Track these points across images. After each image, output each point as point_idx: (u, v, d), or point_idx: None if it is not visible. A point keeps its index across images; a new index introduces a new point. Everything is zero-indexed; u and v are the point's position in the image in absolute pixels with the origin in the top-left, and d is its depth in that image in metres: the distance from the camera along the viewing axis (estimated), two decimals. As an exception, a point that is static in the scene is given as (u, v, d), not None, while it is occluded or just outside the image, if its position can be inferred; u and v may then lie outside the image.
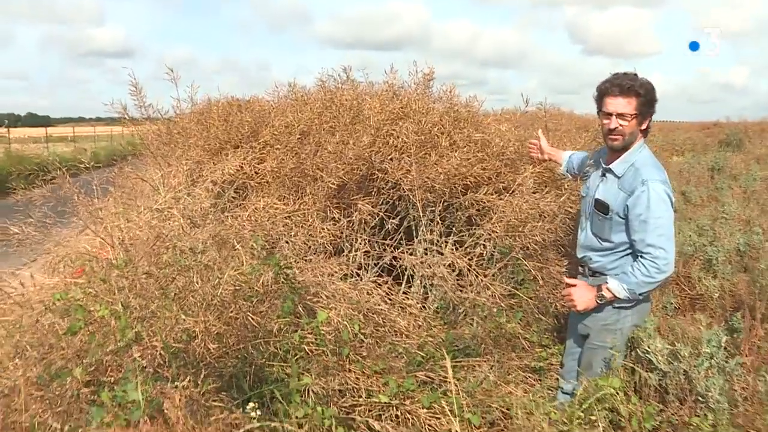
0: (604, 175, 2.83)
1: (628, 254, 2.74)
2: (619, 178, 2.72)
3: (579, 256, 2.92)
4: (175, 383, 1.75)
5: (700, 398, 2.39)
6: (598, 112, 2.80)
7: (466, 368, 3.14)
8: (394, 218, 3.86)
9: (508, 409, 2.79)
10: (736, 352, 3.03)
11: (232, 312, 2.34)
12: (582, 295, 2.73)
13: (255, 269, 2.51)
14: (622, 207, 2.68)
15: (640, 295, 2.63)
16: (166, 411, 1.68)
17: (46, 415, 1.67)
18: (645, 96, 2.65)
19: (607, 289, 2.66)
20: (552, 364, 3.30)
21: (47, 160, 3.76)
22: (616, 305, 2.72)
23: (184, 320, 2.17)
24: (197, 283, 2.47)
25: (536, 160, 3.58)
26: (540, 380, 3.19)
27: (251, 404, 2.05)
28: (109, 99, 4.27)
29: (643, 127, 2.73)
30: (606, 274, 2.77)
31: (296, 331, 2.45)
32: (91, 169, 3.93)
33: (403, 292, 3.42)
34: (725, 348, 3.11)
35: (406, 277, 3.86)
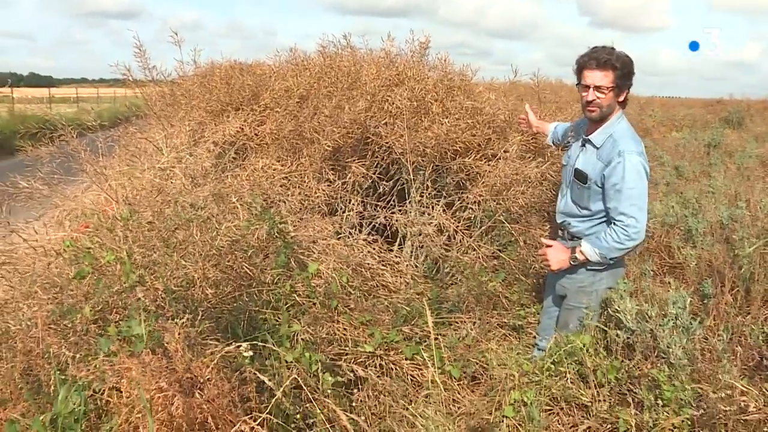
0: (583, 145, 2.94)
1: (604, 221, 2.87)
2: (597, 148, 2.84)
3: (558, 221, 3.05)
4: (175, 321, 1.92)
5: (662, 354, 2.56)
6: (577, 85, 2.91)
7: (449, 324, 3.32)
8: (386, 181, 4.01)
9: (487, 364, 2.97)
10: (705, 316, 3.22)
11: (228, 261, 2.51)
12: (556, 255, 2.89)
13: (251, 223, 2.67)
14: (599, 176, 2.79)
15: (610, 259, 2.77)
16: (166, 344, 1.85)
17: (59, 346, 1.84)
18: (621, 69, 2.76)
19: (581, 251, 2.80)
20: (530, 323, 3.47)
21: (53, 118, 3.88)
22: (590, 267, 2.87)
23: (185, 266, 2.34)
24: (197, 235, 2.65)
25: (526, 132, 3.70)
26: (519, 337, 3.36)
27: (244, 344, 2.24)
28: (113, 60, 4.40)
29: (621, 99, 2.83)
30: (578, 238, 2.91)
31: (287, 281, 2.62)
32: (96, 129, 4.09)
33: (391, 251, 3.58)
34: (694, 312, 3.30)
35: (398, 238, 4.03)
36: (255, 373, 2.00)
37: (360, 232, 3.86)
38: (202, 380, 1.78)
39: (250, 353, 2.20)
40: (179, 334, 1.85)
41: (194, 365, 1.83)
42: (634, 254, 3.86)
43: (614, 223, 2.73)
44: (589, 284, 2.91)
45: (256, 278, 2.66)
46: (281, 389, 2.02)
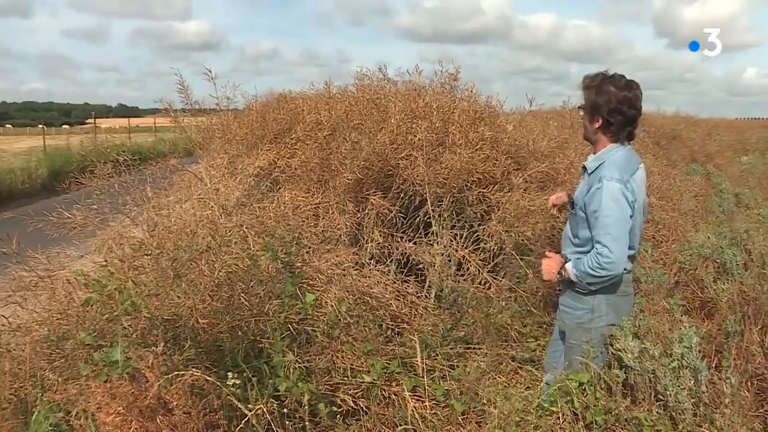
0: (584, 172, 2.90)
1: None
2: (590, 174, 2.80)
3: (562, 251, 3.01)
4: (153, 348, 2.02)
5: (660, 396, 2.47)
6: None
7: (460, 356, 3.31)
8: (409, 213, 4.06)
9: (493, 399, 2.94)
10: (728, 356, 3.07)
11: (225, 293, 2.60)
12: (548, 266, 2.87)
13: (250, 255, 2.76)
14: (582, 202, 2.76)
15: (589, 284, 2.70)
16: (141, 371, 1.95)
17: (45, 368, 1.97)
18: (590, 96, 2.76)
19: (565, 268, 2.78)
20: (541, 355, 3.41)
21: (121, 150, 4.21)
22: (582, 291, 2.79)
23: (180, 297, 2.45)
24: (203, 267, 2.77)
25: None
26: (530, 371, 3.31)
27: (230, 374, 2.32)
28: (161, 96, 4.64)
29: (596, 126, 2.77)
30: None
31: (283, 311, 2.68)
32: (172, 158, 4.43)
33: (405, 281, 3.60)
34: (717, 351, 3.17)
35: (421, 271, 4.05)
36: (228, 398, 2.06)
37: (380, 263, 3.90)
38: (170, 406, 1.87)
39: (236, 381, 2.29)
40: (154, 361, 1.95)
41: (165, 391, 1.92)
42: (663, 288, 3.73)
43: (593, 250, 2.67)
44: (588, 321, 2.81)
45: (256, 309, 2.73)
46: (252, 413, 2.07)
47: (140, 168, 4.37)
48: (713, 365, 2.84)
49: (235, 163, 4.78)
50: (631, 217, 2.66)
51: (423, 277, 3.94)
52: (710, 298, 3.78)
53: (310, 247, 3.53)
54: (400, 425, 2.79)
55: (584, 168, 2.88)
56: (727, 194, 7.40)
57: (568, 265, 2.77)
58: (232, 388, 2.22)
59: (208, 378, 2.05)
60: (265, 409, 2.17)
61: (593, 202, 2.67)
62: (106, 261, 2.87)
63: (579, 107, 2.86)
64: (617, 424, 2.39)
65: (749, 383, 2.89)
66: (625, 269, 2.70)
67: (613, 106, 2.71)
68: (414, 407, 2.79)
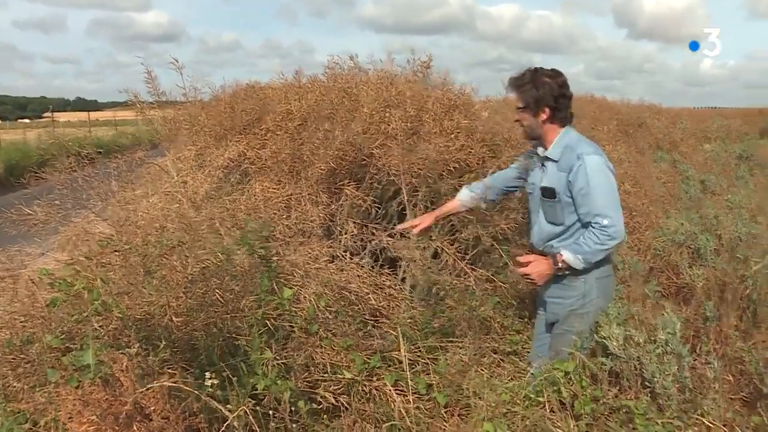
0: (543, 164, 2.93)
1: (581, 230, 2.83)
2: (557, 161, 2.83)
3: (540, 249, 2.99)
4: (127, 350, 1.91)
5: (647, 383, 2.46)
6: None
7: (442, 349, 3.25)
8: (387, 203, 3.98)
9: (477, 391, 2.89)
10: (707, 341, 3.08)
11: (200, 289, 2.49)
12: (539, 268, 2.84)
13: (226, 249, 2.66)
14: (565, 186, 2.78)
15: (594, 262, 2.74)
16: (115, 375, 1.84)
17: (8, 376, 1.85)
18: (528, 92, 2.83)
19: (563, 261, 2.75)
20: (525, 348, 3.37)
21: (83, 142, 4.04)
22: (574, 283, 2.83)
23: (152, 295, 2.33)
24: (176, 262, 2.65)
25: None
26: (512, 363, 3.27)
27: (208, 374, 2.22)
28: (121, 87, 4.47)
29: (543, 118, 2.85)
30: None
31: (260, 307, 2.59)
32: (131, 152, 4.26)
33: (382, 274, 3.53)
34: (696, 336, 3.17)
35: (396, 262, 3.98)
36: (208, 401, 1.97)
37: (355, 255, 3.82)
38: (147, 412, 1.76)
39: (214, 381, 2.19)
40: (128, 364, 1.84)
41: (143, 396, 1.81)
42: (639, 275, 3.73)
43: (591, 227, 2.70)
44: (580, 306, 2.84)
45: (232, 305, 2.63)
46: (234, 415, 1.98)
47: (103, 161, 4.20)
48: (693, 350, 2.84)
49: (203, 155, 4.65)
50: None
51: (396, 269, 3.88)
52: (686, 283, 3.79)
53: (284, 240, 3.43)
54: (383, 421, 2.73)
55: (546, 158, 2.90)
56: (694, 181, 7.49)
57: (567, 256, 2.74)
58: (210, 389, 2.13)
59: (187, 380, 1.95)
60: (246, 410, 2.08)
61: (578, 180, 2.71)
62: (71, 259, 2.73)
63: (519, 108, 2.90)
64: (606, 414, 2.36)
65: (729, 367, 2.91)
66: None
67: (557, 92, 2.83)
68: (396, 401, 2.72)
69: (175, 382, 1.90)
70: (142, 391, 1.77)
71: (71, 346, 2.15)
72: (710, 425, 2.04)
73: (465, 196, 3.33)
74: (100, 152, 4.11)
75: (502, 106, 4.81)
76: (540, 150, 2.96)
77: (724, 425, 2.12)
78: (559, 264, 2.77)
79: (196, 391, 1.93)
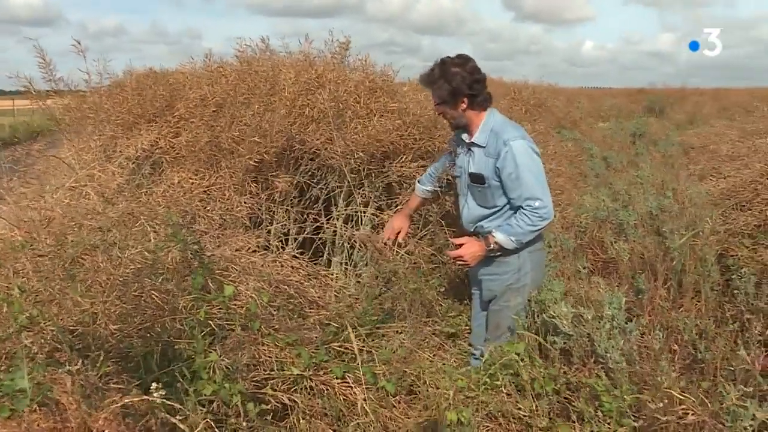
0: (470, 149, 2.94)
1: (511, 211, 2.88)
2: (483, 147, 2.86)
3: (470, 230, 3.03)
4: (68, 367, 1.70)
5: (600, 359, 2.49)
6: None
7: (383, 336, 3.18)
8: (314, 189, 3.86)
9: (422, 377, 2.84)
10: (641, 313, 3.18)
11: (134, 291, 2.29)
12: (471, 249, 2.84)
13: (159, 246, 2.46)
14: (493, 172, 2.82)
15: (520, 243, 2.80)
16: (57, 397, 1.64)
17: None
18: (442, 87, 2.83)
19: (495, 242, 2.78)
20: (465, 330, 3.37)
21: None
22: (507, 255, 2.87)
23: (82, 302, 2.11)
24: (102, 264, 2.42)
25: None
26: (454, 346, 3.25)
27: (154, 385, 2.03)
28: (21, 71, 4.09)
29: (462, 108, 2.87)
30: None
31: (202, 307, 2.41)
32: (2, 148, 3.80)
33: (324, 264, 3.42)
34: (629, 309, 3.25)
35: (326, 248, 3.87)
36: (165, 418, 1.80)
37: (286, 244, 3.68)
38: (98, 434, 1.58)
39: (162, 392, 2.00)
40: (73, 383, 1.64)
41: (91, 418, 1.62)
42: (569, 251, 3.81)
43: (523, 209, 2.75)
44: (516, 281, 2.90)
45: (167, 305, 2.44)
46: (192, 427, 1.82)
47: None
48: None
49: (111, 146, 4.32)
50: None
51: (321, 254, 3.79)
52: (612, 258, 3.91)
53: (210, 233, 3.23)
54: (333, 416, 2.63)
55: (472, 144, 2.92)
56: (597, 158, 7.79)
57: (499, 237, 2.77)
58: (158, 401, 1.94)
59: (135, 394, 1.76)
60: (199, 419, 1.92)
61: (506, 166, 2.76)
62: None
63: (438, 104, 2.90)
64: (568, 393, 2.36)
65: (668, 337, 3.00)
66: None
67: (470, 80, 2.83)
68: (358, 396, 2.63)
69: (123, 398, 1.71)
70: (95, 413, 1.57)
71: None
72: (672, 395, 2.07)
73: (419, 190, 3.32)
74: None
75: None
76: (465, 136, 2.97)
77: (681, 393, 2.16)
78: (492, 245, 2.80)
79: (159, 409, 1.75)
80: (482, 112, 2.89)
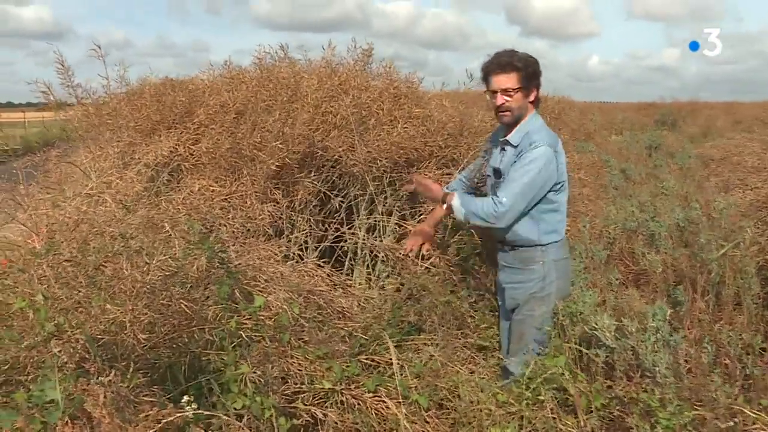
0: (503, 149, 2.86)
1: (529, 215, 2.77)
2: (515, 146, 2.78)
3: (499, 237, 2.91)
4: (99, 379, 1.61)
5: (647, 373, 2.37)
6: (485, 92, 2.86)
7: (412, 349, 3.07)
8: (338, 197, 3.77)
9: (456, 388, 2.73)
10: (680, 326, 3.06)
11: (163, 299, 2.19)
12: (425, 182, 3.01)
13: (186, 254, 2.36)
14: (508, 169, 2.76)
15: (465, 223, 2.85)
16: (89, 410, 1.54)
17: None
18: (525, 69, 2.73)
19: (450, 205, 2.79)
20: (497, 342, 3.25)
21: None
22: (534, 267, 2.80)
23: (110, 310, 2.02)
24: (126, 270, 2.32)
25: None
26: (485, 359, 3.14)
27: (186, 397, 1.92)
28: (33, 78, 4.03)
29: (531, 99, 2.80)
30: (520, 246, 2.81)
31: (232, 317, 2.31)
32: (20, 156, 3.73)
33: (345, 273, 3.32)
34: (669, 322, 3.14)
35: (348, 257, 3.77)
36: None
37: (307, 252, 3.58)
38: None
39: (194, 406, 1.90)
40: (105, 395, 1.54)
41: (124, 432, 1.52)
42: (599, 262, 3.69)
43: (494, 197, 2.69)
44: (540, 289, 2.80)
45: (196, 315, 2.34)
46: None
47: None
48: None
49: (128, 152, 4.25)
50: (560, 185, 2.76)
51: (342, 264, 3.70)
52: (643, 270, 3.79)
53: (233, 242, 3.14)
54: (362, 430, 2.52)
55: (506, 143, 2.84)
56: (615, 170, 7.69)
57: (455, 202, 2.77)
58: (191, 415, 1.84)
59: (172, 409, 1.66)
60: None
61: (518, 162, 2.70)
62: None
63: (512, 90, 2.73)
64: (619, 408, 2.25)
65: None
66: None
67: (540, 73, 2.81)
68: (401, 415, 2.51)
69: (159, 412, 1.61)
70: (129, 428, 1.47)
71: (20, 379, 1.81)
72: (744, 411, 1.95)
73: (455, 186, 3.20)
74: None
75: (448, 95, 4.69)
76: (501, 135, 2.88)
77: (731, 410, 2.05)
78: (447, 202, 2.79)
79: (194, 423, 1.65)
80: (533, 110, 2.83)
